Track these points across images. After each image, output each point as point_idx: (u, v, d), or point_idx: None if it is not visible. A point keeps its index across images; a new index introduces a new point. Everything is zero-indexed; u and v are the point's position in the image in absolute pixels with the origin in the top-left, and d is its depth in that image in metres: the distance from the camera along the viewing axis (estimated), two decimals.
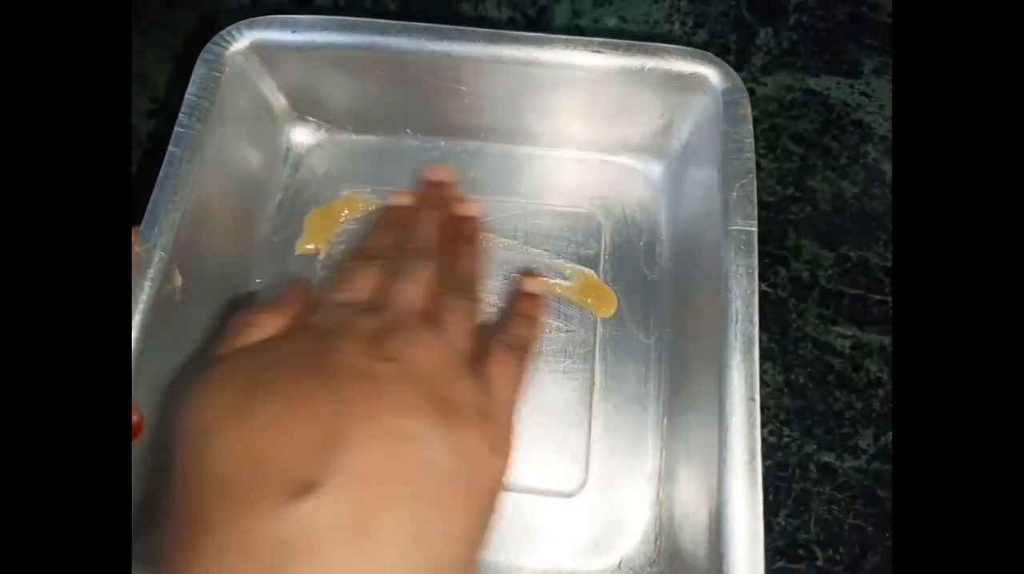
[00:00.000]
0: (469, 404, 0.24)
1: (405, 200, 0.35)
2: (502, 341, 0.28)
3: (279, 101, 0.36)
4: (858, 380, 0.34)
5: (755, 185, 0.29)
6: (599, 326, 0.34)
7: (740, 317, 0.27)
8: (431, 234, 0.31)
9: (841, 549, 0.31)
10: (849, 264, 0.36)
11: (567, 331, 0.34)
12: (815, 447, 0.33)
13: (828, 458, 0.33)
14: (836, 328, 0.35)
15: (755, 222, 0.29)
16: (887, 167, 0.38)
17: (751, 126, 0.31)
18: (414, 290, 0.27)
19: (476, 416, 0.24)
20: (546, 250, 0.36)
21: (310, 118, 0.37)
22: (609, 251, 0.36)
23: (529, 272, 0.35)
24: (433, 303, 0.27)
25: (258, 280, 0.34)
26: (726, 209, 0.29)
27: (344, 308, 0.27)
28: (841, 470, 0.33)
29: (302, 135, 0.38)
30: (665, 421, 0.32)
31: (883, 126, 0.39)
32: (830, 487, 0.32)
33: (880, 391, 0.34)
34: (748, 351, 0.26)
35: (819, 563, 0.31)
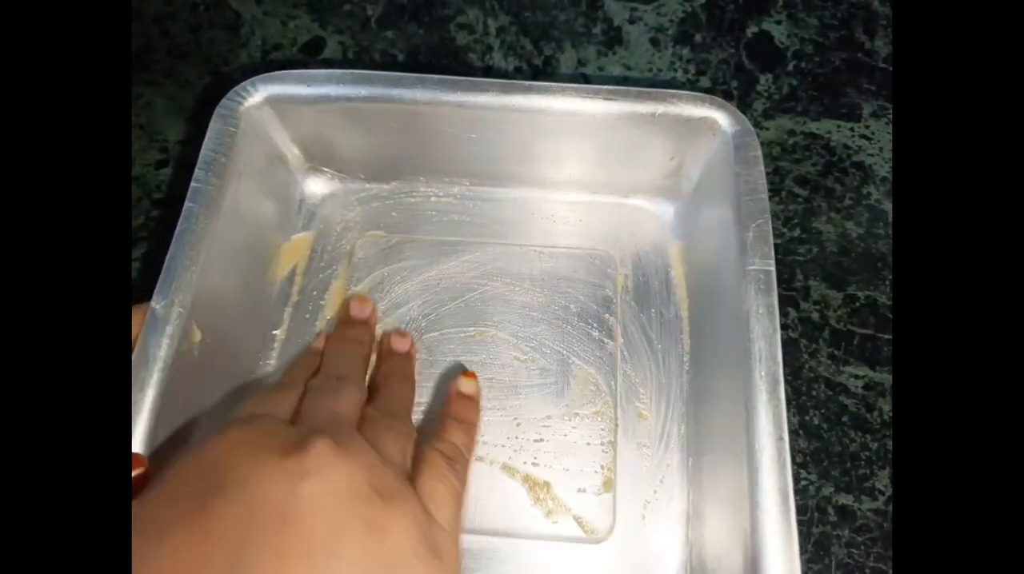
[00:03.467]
0: (406, 533, 0.21)
1: (324, 342, 0.33)
2: (437, 449, 0.26)
3: (293, 153, 0.36)
4: (872, 420, 0.34)
5: (770, 225, 0.30)
6: (619, 368, 0.34)
7: (764, 357, 0.27)
8: (354, 364, 0.30)
9: None
10: (857, 304, 0.37)
11: (588, 374, 0.34)
12: (833, 489, 0.33)
13: (846, 500, 0.33)
14: (848, 368, 0.35)
15: (772, 261, 0.29)
16: (890, 207, 0.39)
17: (762, 168, 0.31)
18: (336, 404, 0.25)
19: (416, 550, 0.21)
20: (563, 293, 0.36)
21: (324, 169, 0.38)
22: (626, 291, 0.36)
23: (465, 371, 0.33)
24: (359, 423, 0.25)
25: (275, 332, 0.34)
26: (743, 249, 0.29)
27: (260, 419, 0.24)
28: (860, 512, 0.33)
29: (315, 186, 0.38)
30: (690, 461, 0.32)
31: (884, 167, 0.40)
32: (849, 530, 0.32)
33: None
34: (774, 390, 0.27)
35: None
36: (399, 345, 0.33)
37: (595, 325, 0.35)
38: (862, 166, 0.40)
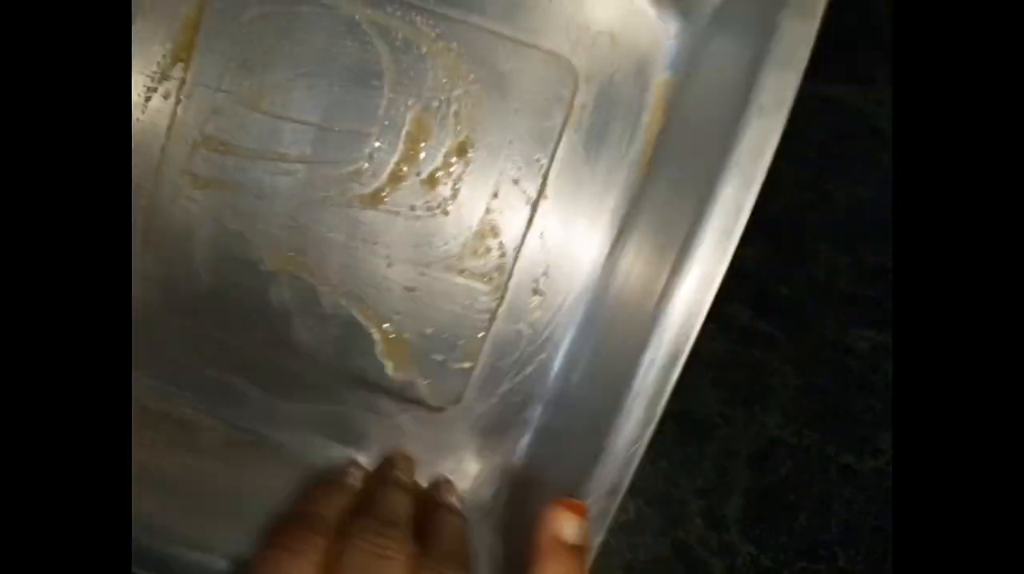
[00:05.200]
0: None
1: (359, 473, 0.28)
2: None
3: None
4: (876, 382, 0.34)
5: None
6: (532, 228, 0.28)
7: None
8: (400, 506, 0.25)
9: (862, 550, 0.32)
10: (866, 267, 0.37)
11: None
12: (835, 449, 0.33)
13: (848, 460, 0.33)
14: (854, 331, 0.35)
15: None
16: None
17: (817, 21, 0.22)
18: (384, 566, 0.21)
19: None
20: (493, 109, 0.27)
21: None
22: (578, 127, 0.27)
23: (567, 500, 0.23)
24: None
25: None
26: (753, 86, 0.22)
27: None
28: (861, 471, 0.33)
29: None
30: (568, 370, 0.28)
31: None
32: (850, 488, 0.33)
33: None
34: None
35: (840, 564, 0.32)
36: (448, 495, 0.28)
37: (520, 164, 0.27)
38: (875, 130, 0.40)
